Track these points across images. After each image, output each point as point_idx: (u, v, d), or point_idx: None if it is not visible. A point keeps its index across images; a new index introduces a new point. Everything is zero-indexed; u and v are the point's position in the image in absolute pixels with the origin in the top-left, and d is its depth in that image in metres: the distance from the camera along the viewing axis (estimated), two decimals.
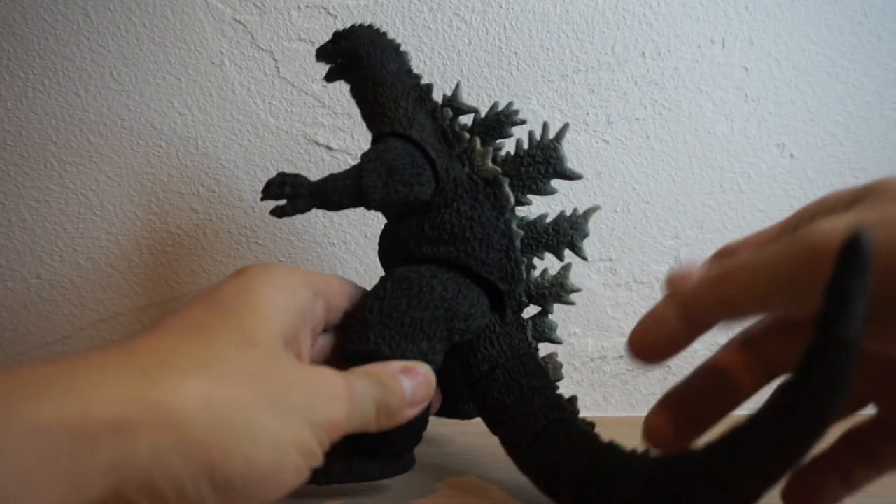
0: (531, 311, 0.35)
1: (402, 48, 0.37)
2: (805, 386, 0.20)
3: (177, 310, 0.25)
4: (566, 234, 0.35)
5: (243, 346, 0.24)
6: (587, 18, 0.50)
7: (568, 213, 0.35)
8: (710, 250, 0.57)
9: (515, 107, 0.36)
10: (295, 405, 0.23)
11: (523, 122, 0.35)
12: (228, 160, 0.50)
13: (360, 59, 0.36)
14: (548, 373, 0.33)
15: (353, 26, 0.38)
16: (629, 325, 0.58)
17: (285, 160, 0.50)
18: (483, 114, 0.36)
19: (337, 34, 0.37)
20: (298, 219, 0.50)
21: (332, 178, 0.32)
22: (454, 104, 0.36)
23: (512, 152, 0.35)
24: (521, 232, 0.34)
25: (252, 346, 0.24)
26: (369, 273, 0.50)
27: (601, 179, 0.51)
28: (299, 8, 0.49)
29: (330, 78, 0.38)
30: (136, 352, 0.21)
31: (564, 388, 0.31)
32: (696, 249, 0.52)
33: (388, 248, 0.35)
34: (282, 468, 0.23)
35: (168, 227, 0.50)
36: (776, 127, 0.52)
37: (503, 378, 0.32)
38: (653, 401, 0.30)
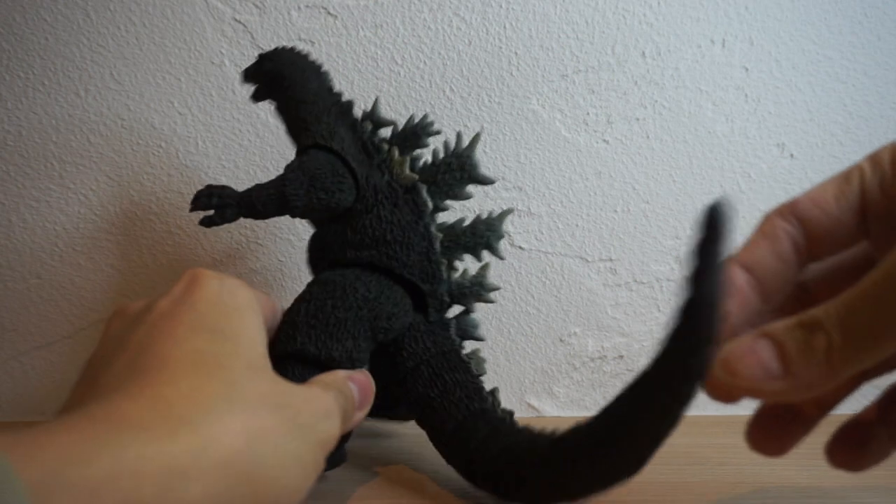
0: (455, 310, 0.37)
1: (324, 69, 0.39)
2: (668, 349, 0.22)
3: (149, 329, 0.25)
4: (482, 235, 0.36)
5: (251, 374, 0.24)
6: (587, 18, 0.50)
7: (484, 216, 0.37)
8: None
9: (430, 119, 0.38)
10: (306, 426, 0.24)
11: (438, 132, 0.38)
12: (228, 160, 0.50)
13: (282, 78, 0.38)
14: (471, 367, 0.35)
15: (276, 49, 0.39)
16: (629, 325, 0.58)
17: (285, 160, 0.50)
18: (400, 126, 0.38)
19: (261, 56, 0.39)
20: (300, 220, 0.50)
21: (256, 188, 0.35)
22: (373, 118, 0.38)
23: (429, 161, 0.37)
24: (441, 235, 0.36)
25: (258, 373, 0.25)
26: None
27: (601, 179, 0.51)
28: (299, 8, 0.49)
29: (255, 98, 0.40)
30: (165, 399, 0.21)
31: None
32: None
33: (316, 255, 0.37)
34: (303, 488, 0.24)
35: (168, 227, 0.50)
36: (776, 127, 0.52)
37: (427, 373, 0.34)
38: None
